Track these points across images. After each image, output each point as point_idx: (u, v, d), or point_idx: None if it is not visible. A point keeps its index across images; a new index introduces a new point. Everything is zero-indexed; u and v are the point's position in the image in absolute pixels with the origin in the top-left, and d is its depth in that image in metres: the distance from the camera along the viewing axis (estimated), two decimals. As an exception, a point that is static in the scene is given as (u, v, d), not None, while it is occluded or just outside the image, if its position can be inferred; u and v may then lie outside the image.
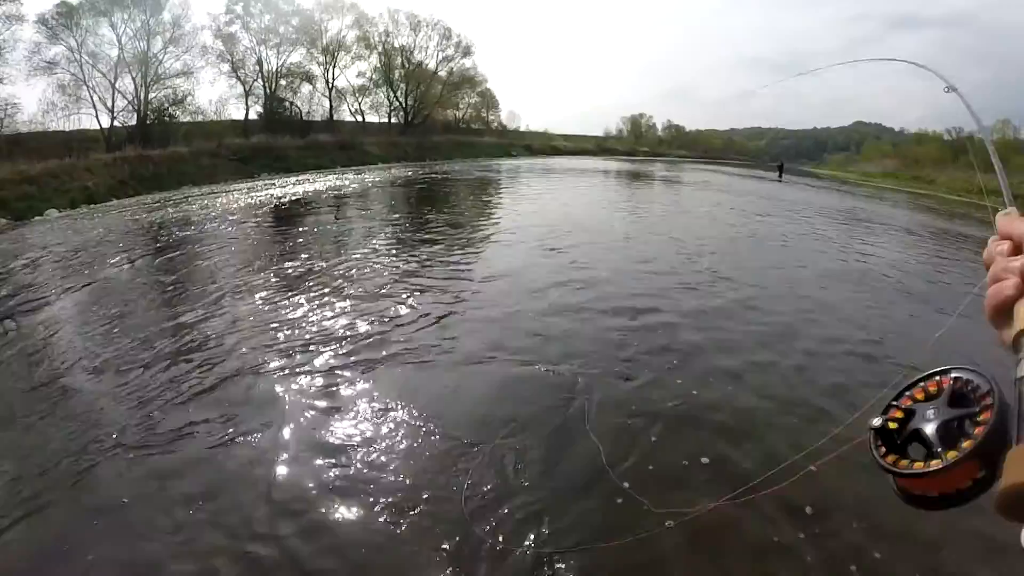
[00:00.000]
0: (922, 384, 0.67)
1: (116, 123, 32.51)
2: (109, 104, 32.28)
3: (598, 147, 69.51)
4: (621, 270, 9.26)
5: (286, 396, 4.98)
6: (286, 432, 4.42)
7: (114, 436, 4.39)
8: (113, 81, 32.33)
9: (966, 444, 0.54)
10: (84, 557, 3.21)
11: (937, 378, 0.65)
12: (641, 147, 74.79)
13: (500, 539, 3.27)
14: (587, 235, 12.22)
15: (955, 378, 0.63)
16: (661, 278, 8.83)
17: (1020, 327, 0.55)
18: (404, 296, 7.72)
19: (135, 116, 33.09)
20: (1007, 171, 0.91)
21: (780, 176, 40.15)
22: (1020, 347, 0.54)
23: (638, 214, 16.77)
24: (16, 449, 4.37)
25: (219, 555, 3.20)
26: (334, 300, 7.63)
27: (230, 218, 15.74)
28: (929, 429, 0.60)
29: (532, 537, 3.30)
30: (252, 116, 40.56)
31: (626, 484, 3.72)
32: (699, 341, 6.15)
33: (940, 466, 0.55)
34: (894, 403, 0.67)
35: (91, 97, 31.84)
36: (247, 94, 40.36)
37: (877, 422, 0.65)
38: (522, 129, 63.46)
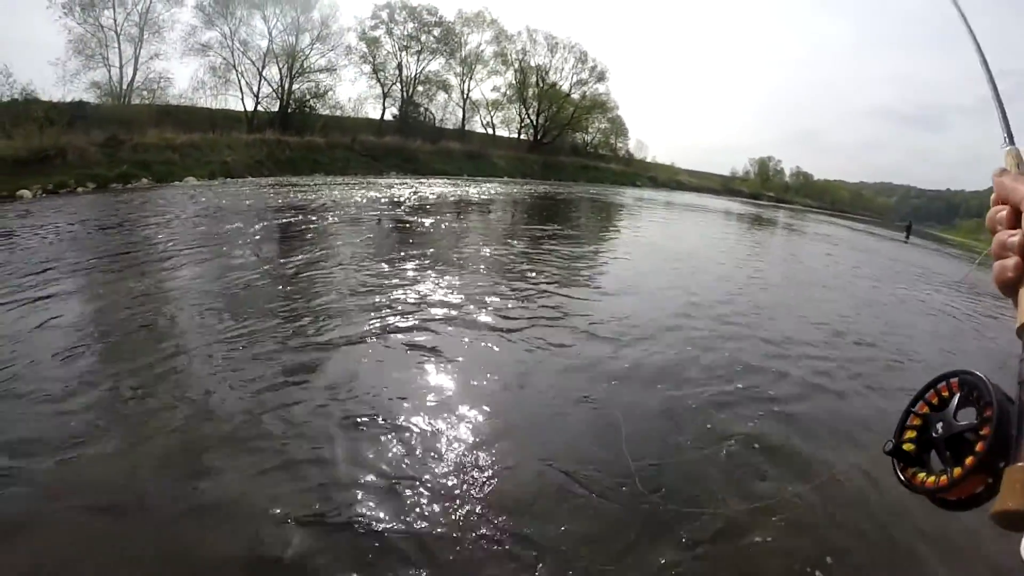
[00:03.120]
0: (936, 387, 0.68)
1: (259, 108, 32.77)
2: (255, 89, 32.67)
3: (723, 187, 65.62)
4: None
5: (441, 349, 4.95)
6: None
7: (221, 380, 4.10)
8: (261, 69, 32.67)
9: (969, 461, 0.57)
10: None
11: (947, 380, 0.67)
12: (767, 191, 70.25)
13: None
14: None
15: (961, 381, 0.65)
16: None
17: (1022, 320, 0.54)
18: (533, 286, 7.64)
19: (278, 103, 33.22)
20: None
21: (907, 237, 35.57)
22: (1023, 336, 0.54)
23: (753, 259, 14.00)
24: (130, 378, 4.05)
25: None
26: (462, 280, 7.47)
27: (363, 206, 15.17)
28: (939, 443, 0.64)
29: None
30: (387, 117, 40.24)
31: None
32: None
33: (947, 483, 0.59)
34: (912, 409, 0.69)
35: (239, 81, 32.30)
36: (385, 96, 40.09)
37: (889, 446, 0.68)
38: (648, 160, 60.70)
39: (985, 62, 0.82)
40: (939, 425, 0.64)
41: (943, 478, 0.59)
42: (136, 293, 5.94)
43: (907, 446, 0.66)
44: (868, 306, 9.47)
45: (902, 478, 0.64)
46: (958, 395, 0.64)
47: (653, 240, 14.70)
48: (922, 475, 0.63)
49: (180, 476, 2.97)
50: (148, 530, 2.59)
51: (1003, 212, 0.58)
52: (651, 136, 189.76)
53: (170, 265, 7.23)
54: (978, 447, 0.56)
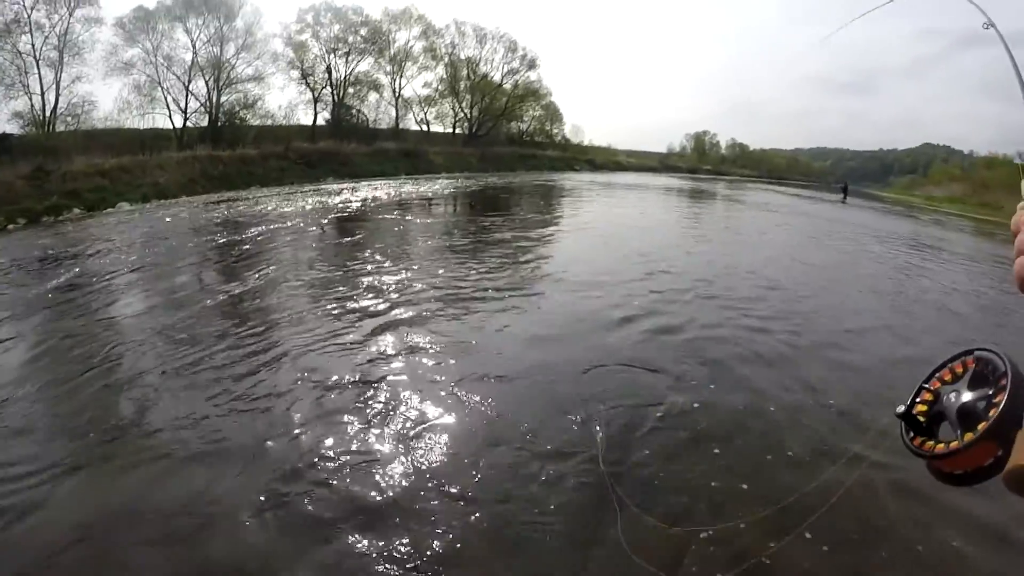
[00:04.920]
0: (949, 365, 0.69)
1: (188, 123, 32.70)
2: (182, 105, 32.54)
3: (661, 164, 67.59)
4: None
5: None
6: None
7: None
8: (187, 83, 32.58)
9: (981, 426, 0.58)
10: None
11: (963, 359, 0.68)
12: (704, 165, 72.51)
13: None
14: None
15: (977, 358, 0.66)
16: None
17: None
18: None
19: (207, 117, 33.19)
20: None
21: (844, 198, 37.79)
22: None
23: (698, 234, 15.79)
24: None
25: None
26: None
27: (304, 215, 15.83)
28: (951, 412, 0.64)
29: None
30: (320, 122, 40.46)
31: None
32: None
33: (958, 447, 0.59)
34: (925, 385, 0.70)
35: (165, 98, 32.15)
36: (316, 100, 40.32)
37: (901, 409, 0.68)
38: (585, 143, 61.92)
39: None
40: (951, 395, 0.65)
41: (953, 443, 0.60)
42: (79, 332, 6.05)
43: (920, 418, 0.67)
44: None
45: (909, 444, 0.66)
46: (972, 369, 0.66)
47: (597, 222, 16.09)
48: (930, 443, 0.64)
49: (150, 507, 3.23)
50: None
51: None
52: (586, 120, 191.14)
53: (113, 299, 7.47)
54: (991, 413, 0.57)
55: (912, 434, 0.67)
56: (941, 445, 0.62)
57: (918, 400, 0.69)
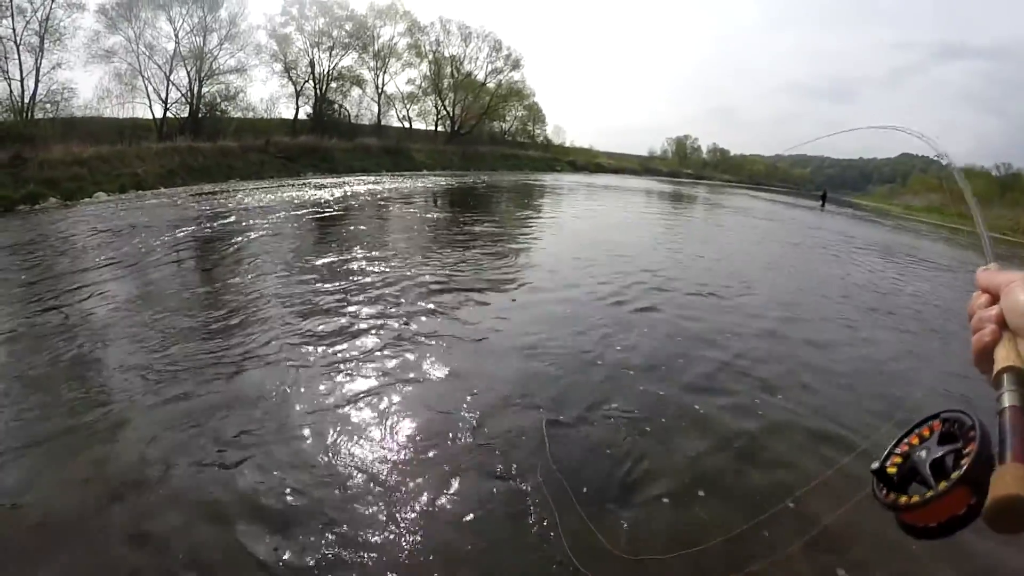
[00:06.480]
0: (916, 431, 0.73)
1: (169, 114, 32.52)
2: (163, 95, 32.35)
3: (642, 167, 68.57)
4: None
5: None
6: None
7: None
8: (168, 73, 32.38)
9: (954, 475, 0.60)
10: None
11: (929, 423, 0.72)
12: (685, 169, 73.59)
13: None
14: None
15: (943, 420, 0.70)
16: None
17: (999, 367, 0.63)
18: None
19: (187, 108, 33.01)
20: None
21: (823, 205, 38.87)
22: (1000, 384, 0.61)
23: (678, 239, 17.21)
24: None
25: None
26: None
27: (284, 210, 16.14)
28: (923, 467, 0.67)
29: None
30: (301, 116, 40.54)
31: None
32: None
33: (932, 495, 0.61)
34: (894, 451, 0.73)
35: (146, 87, 31.95)
36: (298, 94, 40.41)
37: (876, 465, 0.71)
38: (567, 144, 62.63)
39: (975, 203, 1.00)
40: (922, 453, 0.68)
41: (928, 493, 0.62)
42: (57, 326, 5.89)
43: (894, 479, 0.70)
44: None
45: (881, 499, 0.68)
46: (939, 431, 0.69)
47: (581, 220, 17.38)
48: (904, 498, 0.65)
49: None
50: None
51: (983, 298, 0.70)
52: (569, 121, 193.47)
53: (88, 290, 7.22)
54: (963, 462, 0.60)
55: (885, 490, 0.69)
56: (916, 498, 0.64)
57: (888, 463, 0.72)
